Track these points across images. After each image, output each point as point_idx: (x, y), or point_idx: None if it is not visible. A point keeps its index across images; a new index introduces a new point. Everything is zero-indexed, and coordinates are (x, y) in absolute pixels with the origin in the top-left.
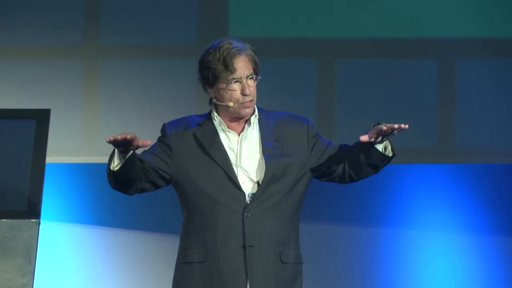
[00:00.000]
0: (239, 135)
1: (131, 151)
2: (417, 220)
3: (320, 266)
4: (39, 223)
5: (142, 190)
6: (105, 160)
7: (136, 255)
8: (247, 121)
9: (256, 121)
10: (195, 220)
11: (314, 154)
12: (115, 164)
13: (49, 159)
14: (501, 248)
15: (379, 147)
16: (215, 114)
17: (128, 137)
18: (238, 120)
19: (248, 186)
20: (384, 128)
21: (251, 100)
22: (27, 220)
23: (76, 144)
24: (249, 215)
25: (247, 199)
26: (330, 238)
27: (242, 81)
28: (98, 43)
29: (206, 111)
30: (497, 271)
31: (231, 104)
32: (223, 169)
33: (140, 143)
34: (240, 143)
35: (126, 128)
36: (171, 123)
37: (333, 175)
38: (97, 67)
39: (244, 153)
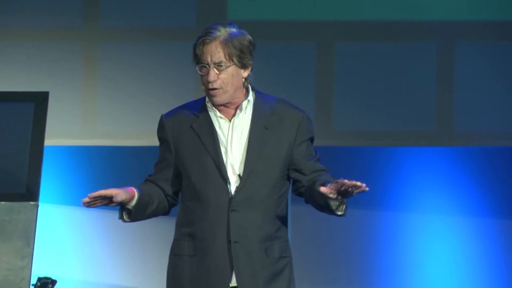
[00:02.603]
0: (230, 121)
1: (134, 201)
2: (416, 203)
3: (319, 249)
4: (38, 206)
5: (175, 203)
6: (104, 143)
7: (134, 237)
8: (239, 106)
9: (250, 106)
10: (186, 213)
11: (293, 155)
12: (127, 219)
13: (47, 142)
14: (500, 230)
15: (334, 202)
16: (207, 99)
17: (99, 203)
18: (226, 103)
19: (234, 179)
20: (342, 188)
21: (215, 88)
22: (25, 203)
23: (75, 127)
24: (234, 210)
25: (233, 193)
26: (329, 221)
27: (209, 67)
28: (97, 26)
29: (204, 94)
30: (496, 253)
31: (203, 88)
32: (214, 161)
33: (119, 199)
34: (231, 131)
35: (125, 111)
36: (168, 115)
37: (296, 190)
38: (96, 50)
39: (235, 142)
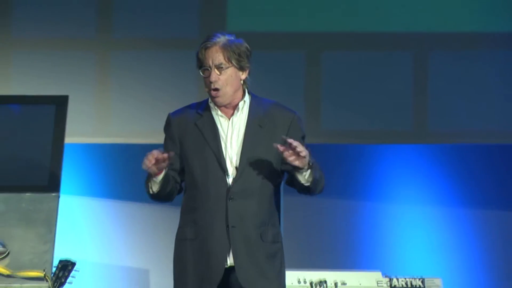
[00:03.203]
0: (229, 119)
1: (163, 172)
2: (395, 194)
3: (308, 235)
4: (59, 197)
5: (180, 191)
6: (116, 141)
7: (144, 224)
8: (236, 106)
9: (246, 106)
10: (189, 202)
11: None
12: (154, 189)
13: (67, 140)
14: (469, 218)
15: (302, 175)
16: (210, 100)
17: (160, 157)
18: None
19: (232, 171)
20: (289, 141)
21: (217, 89)
22: (48, 194)
23: (91, 127)
24: (232, 199)
25: (230, 183)
26: (317, 210)
27: (210, 70)
28: (110, 37)
29: (206, 97)
30: (466, 238)
31: (206, 90)
32: (215, 156)
33: (166, 159)
34: (230, 128)
35: (135, 113)
36: (174, 114)
37: (288, 182)
38: (108, 58)
39: (233, 138)
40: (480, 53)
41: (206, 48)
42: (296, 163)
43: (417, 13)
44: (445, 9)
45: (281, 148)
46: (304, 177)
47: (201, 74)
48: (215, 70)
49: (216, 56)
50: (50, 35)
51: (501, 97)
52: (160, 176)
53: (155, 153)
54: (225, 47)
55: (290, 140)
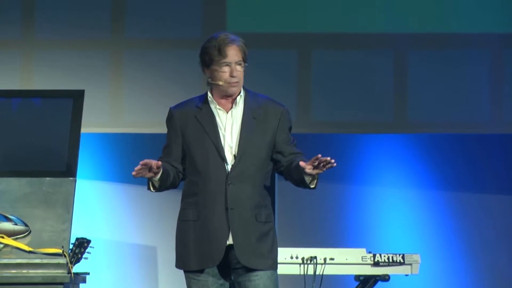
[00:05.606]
0: (227, 112)
1: (159, 174)
2: (377, 178)
3: (300, 216)
4: (75, 181)
5: (183, 178)
6: (127, 131)
7: (152, 206)
8: (234, 100)
9: (242, 100)
10: (191, 187)
11: (276, 140)
12: (154, 189)
13: (83, 130)
14: (445, 200)
15: (308, 178)
16: (209, 94)
17: (145, 167)
18: (226, 98)
19: (230, 159)
20: (316, 162)
21: (237, 82)
22: (66, 179)
23: (105, 118)
24: (231, 183)
25: (229, 169)
26: (308, 194)
27: (231, 65)
28: (122, 38)
29: (206, 90)
30: (440, 216)
31: (221, 83)
32: (215, 145)
33: (154, 166)
34: (228, 120)
35: (144, 106)
36: (176, 107)
37: (277, 169)
38: (121, 57)
39: (232, 130)
40: (453, 52)
41: (227, 46)
42: (310, 171)
43: (398, 16)
44: (422, 12)
45: (308, 167)
46: (313, 182)
47: (218, 69)
48: (236, 66)
49: (236, 53)
50: (69, 36)
51: (471, 92)
52: (157, 177)
53: (146, 161)
54: (241, 46)
55: (323, 159)
